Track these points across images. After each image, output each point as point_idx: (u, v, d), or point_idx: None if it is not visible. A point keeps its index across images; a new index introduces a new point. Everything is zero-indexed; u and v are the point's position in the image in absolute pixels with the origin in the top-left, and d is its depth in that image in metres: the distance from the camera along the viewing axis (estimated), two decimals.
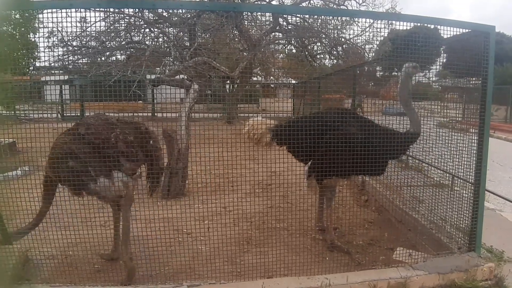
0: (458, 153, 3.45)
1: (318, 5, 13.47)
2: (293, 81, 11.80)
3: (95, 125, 3.08)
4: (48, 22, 2.86)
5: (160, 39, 9.00)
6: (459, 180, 3.66)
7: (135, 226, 3.25)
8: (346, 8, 13.17)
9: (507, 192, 7.00)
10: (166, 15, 9.43)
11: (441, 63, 3.78)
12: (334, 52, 11.73)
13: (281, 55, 13.02)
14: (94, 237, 3.19)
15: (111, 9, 7.37)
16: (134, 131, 3.20)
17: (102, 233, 3.62)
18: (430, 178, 4.07)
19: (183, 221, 3.68)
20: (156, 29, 9.09)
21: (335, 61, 11.88)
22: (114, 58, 8.98)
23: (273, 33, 12.17)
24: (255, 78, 12.35)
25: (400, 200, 4.34)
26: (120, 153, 3.05)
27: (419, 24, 3.23)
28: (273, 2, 13.87)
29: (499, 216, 5.01)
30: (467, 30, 3.24)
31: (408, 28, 3.22)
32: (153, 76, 7.27)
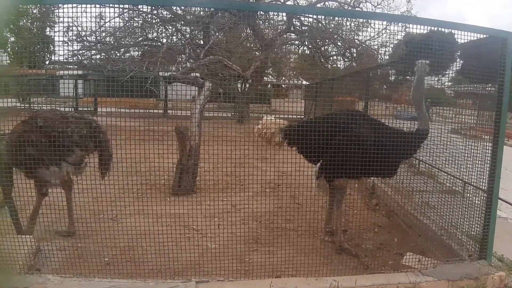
0: (471, 160, 3.39)
1: (333, 5, 13.45)
2: (305, 82, 11.78)
3: (52, 119, 3.51)
4: (64, 17, 2.93)
5: (175, 37, 9.07)
6: (471, 187, 3.60)
7: (146, 221, 3.30)
8: (361, 10, 13.12)
9: None
10: (181, 13, 9.51)
11: (456, 68, 3.73)
12: (348, 55, 11.67)
13: (294, 55, 13.01)
14: (104, 230, 3.27)
15: (127, 6, 7.46)
16: (86, 125, 3.70)
17: (113, 226, 3.69)
18: (442, 184, 4.02)
19: (192, 218, 3.73)
20: (170, 27, 9.16)
21: (348, 63, 11.82)
22: (128, 55, 9.09)
23: (287, 34, 12.17)
24: (267, 78, 12.37)
25: (411, 205, 4.30)
26: (74, 144, 3.59)
27: (435, 28, 3.20)
28: (288, 3, 13.89)
29: (511, 225, 4.94)
30: (483, 36, 3.20)
31: (424, 31, 3.19)
32: (167, 74, 7.34)
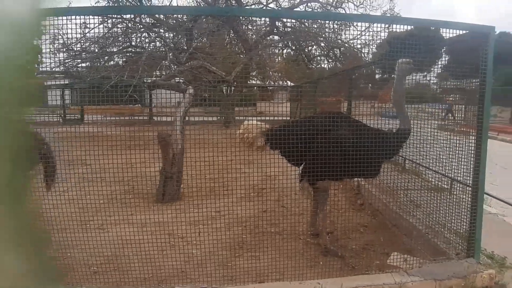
0: (457, 156, 3.37)
1: (316, 7, 13.55)
2: (290, 84, 11.82)
3: None
4: (50, 28, 2.91)
5: (157, 43, 9.05)
6: (458, 184, 3.56)
7: (131, 229, 3.27)
8: (344, 10, 13.24)
9: (510, 196, 6.96)
10: (164, 19, 9.47)
11: (441, 65, 3.76)
12: (332, 55, 11.75)
13: (279, 58, 13.05)
14: (91, 239, 3.22)
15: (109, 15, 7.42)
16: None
17: (99, 236, 3.64)
18: (428, 182, 4.00)
19: (176, 225, 3.68)
20: (152, 33, 9.13)
21: (332, 63, 11.91)
22: (112, 62, 9.03)
23: (270, 36, 12.21)
24: (252, 81, 12.39)
25: (396, 204, 4.30)
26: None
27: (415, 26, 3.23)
28: (271, 5, 13.95)
29: (501, 221, 4.89)
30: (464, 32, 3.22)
31: (407, 29, 3.21)
32: (149, 80, 7.29)
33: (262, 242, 3.82)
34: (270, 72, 11.25)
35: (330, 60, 11.82)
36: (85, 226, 3.65)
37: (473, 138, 3.25)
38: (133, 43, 9.44)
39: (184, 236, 3.91)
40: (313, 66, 12.12)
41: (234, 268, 3.34)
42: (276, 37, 12.26)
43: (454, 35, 3.19)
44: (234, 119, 7.12)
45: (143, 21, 8.75)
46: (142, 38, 9.66)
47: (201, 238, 3.52)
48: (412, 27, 3.29)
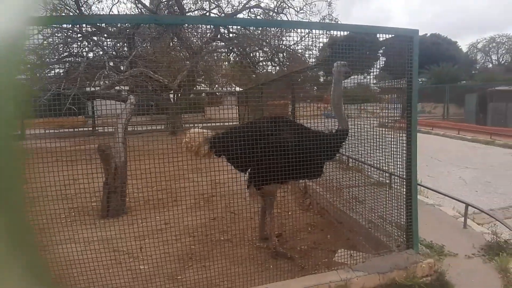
0: (392, 151, 3.52)
1: (259, 13, 13.76)
2: (238, 89, 11.84)
3: None
4: None
5: (99, 51, 8.67)
6: (397, 178, 3.67)
7: (73, 248, 3.07)
8: (285, 15, 13.58)
9: (446, 187, 7.39)
10: (104, 26, 9.10)
11: (378, 66, 3.94)
12: (276, 59, 11.96)
13: (225, 63, 13.05)
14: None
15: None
16: None
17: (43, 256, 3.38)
18: (369, 178, 4.13)
19: (123, 241, 3.53)
20: (92, 42, 8.75)
21: (277, 68, 12.11)
22: (53, 72, 8.52)
23: (215, 42, 12.19)
24: (199, 87, 12.25)
25: (340, 201, 4.41)
26: None
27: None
28: (214, 11, 13.95)
29: (438, 211, 5.21)
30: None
31: (345, 34, 3.34)
32: (88, 90, 6.95)
33: (212, 251, 3.78)
34: (217, 78, 11.19)
35: (275, 65, 12.03)
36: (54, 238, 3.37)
37: (404, 135, 3.43)
38: (72, 52, 8.99)
39: (130, 251, 3.76)
40: (259, 71, 12.26)
41: (183, 281, 3.26)
42: (221, 43, 12.28)
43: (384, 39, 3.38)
44: (181, 126, 6.99)
45: (83, 29, 8.35)
46: (81, 47, 9.23)
47: (148, 252, 3.40)
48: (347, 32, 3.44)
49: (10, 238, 0.65)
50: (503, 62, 36.69)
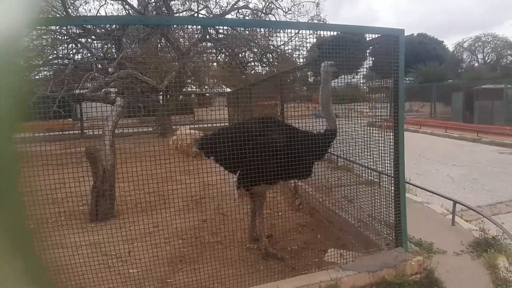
0: (381, 150, 3.52)
1: (247, 14, 13.76)
2: (228, 89, 11.82)
3: None
4: None
5: (87, 53, 8.59)
6: (385, 177, 3.66)
7: (62, 253, 3.02)
8: (273, 16, 13.61)
9: (434, 184, 7.48)
10: (91, 28, 9.00)
11: (366, 66, 3.96)
12: (265, 60, 11.98)
13: (214, 64, 13.03)
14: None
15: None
16: None
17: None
18: (359, 177, 4.11)
19: (112, 245, 3.48)
20: (79, 44, 8.66)
21: (266, 68, 12.13)
22: (41, 75, 8.40)
23: (203, 43, 12.16)
24: (189, 88, 12.20)
25: (330, 200, 4.42)
26: None
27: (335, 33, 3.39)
28: (202, 12, 13.91)
29: (426, 209, 5.25)
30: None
31: (333, 34, 3.35)
32: (75, 92, 6.86)
33: (202, 253, 3.75)
34: (206, 79, 11.15)
35: (264, 65, 12.04)
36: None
37: (392, 133, 3.45)
38: (59, 55, 8.88)
39: (120, 255, 3.71)
40: (248, 71, 12.26)
41: (174, 284, 3.23)
42: (209, 44, 12.26)
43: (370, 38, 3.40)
44: (171, 127, 6.94)
45: (70, 31, 8.25)
46: (69, 49, 9.13)
47: (138, 256, 3.37)
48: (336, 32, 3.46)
49: (10, 241, 0.65)
50: (488, 60, 37.31)
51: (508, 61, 35.89)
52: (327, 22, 14.21)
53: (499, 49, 36.25)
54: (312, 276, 3.02)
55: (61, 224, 4.66)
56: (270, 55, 11.80)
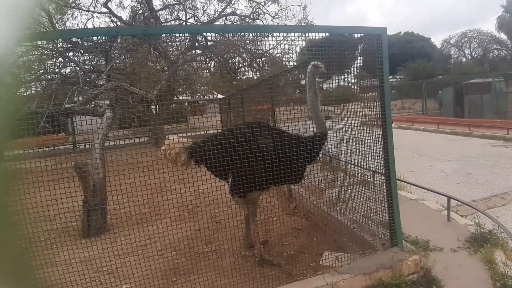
0: (372, 149, 3.48)
1: (235, 20, 13.78)
2: (220, 96, 11.78)
3: None
4: None
5: (74, 67, 8.51)
6: (378, 176, 3.61)
7: (53, 271, 2.95)
8: (261, 21, 13.64)
9: (428, 181, 7.50)
10: (79, 41, 8.93)
11: (356, 66, 3.95)
12: (255, 65, 11.97)
13: (205, 71, 13.00)
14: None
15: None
16: None
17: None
18: (352, 177, 4.05)
19: (104, 260, 3.42)
20: (66, 58, 8.59)
21: (257, 73, 12.11)
22: (30, 91, 8.32)
23: (193, 51, 12.13)
24: (181, 97, 12.16)
25: (324, 203, 4.37)
26: None
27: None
28: (191, 20, 13.91)
29: (422, 206, 5.23)
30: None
31: (320, 36, 3.34)
32: (63, 107, 6.78)
33: (197, 264, 3.69)
34: (198, 86, 11.12)
35: (254, 70, 12.03)
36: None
37: (380, 132, 3.42)
38: (48, 70, 8.79)
39: (112, 271, 3.64)
40: (239, 77, 12.24)
41: None
42: (198, 51, 12.24)
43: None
44: (164, 137, 6.88)
45: (58, 45, 8.17)
46: (57, 64, 9.04)
47: (131, 270, 3.30)
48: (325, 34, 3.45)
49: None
50: (475, 55, 37.60)
51: (494, 55, 36.24)
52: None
53: (485, 43, 36.59)
54: (307, 282, 2.95)
55: (52, 242, 4.57)
56: (260, 60, 11.80)
